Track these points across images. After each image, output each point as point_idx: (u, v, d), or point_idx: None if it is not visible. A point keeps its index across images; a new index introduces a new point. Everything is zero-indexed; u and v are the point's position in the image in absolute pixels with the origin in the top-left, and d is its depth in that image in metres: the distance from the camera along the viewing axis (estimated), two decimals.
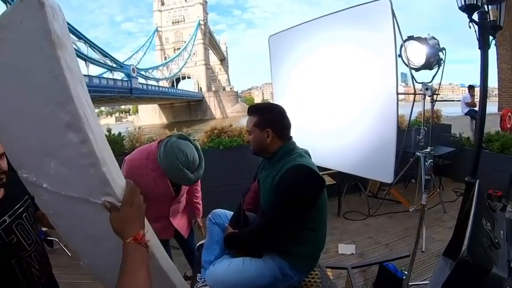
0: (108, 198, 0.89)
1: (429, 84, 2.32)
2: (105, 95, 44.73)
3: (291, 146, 1.64)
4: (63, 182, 0.92)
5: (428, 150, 2.46)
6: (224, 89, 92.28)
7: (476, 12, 1.96)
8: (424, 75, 2.38)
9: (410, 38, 2.32)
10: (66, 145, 0.85)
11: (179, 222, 2.27)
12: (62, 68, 0.78)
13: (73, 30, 39.47)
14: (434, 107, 2.53)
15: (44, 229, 1.86)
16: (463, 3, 1.95)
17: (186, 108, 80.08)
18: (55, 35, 0.77)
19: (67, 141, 0.84)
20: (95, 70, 46.22)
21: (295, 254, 1.60)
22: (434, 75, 2.33)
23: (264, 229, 1.56)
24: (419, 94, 2.38)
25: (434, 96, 2.34)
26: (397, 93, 2.14)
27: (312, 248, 1.66)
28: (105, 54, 47.46)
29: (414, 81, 2.35)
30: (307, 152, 1.67)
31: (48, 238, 3.26)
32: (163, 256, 1.12)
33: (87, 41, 43.26)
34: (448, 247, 1.53)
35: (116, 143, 4.32)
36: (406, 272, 2.53)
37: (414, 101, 2.42)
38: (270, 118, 1.66)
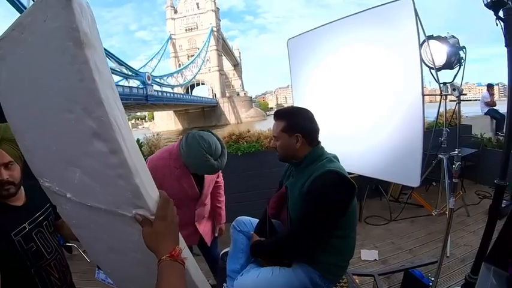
0: (139, 211, 0.82)
1: (456, 84, 2.27)
2: (121, 102, 45.26)
3: (319, 152, 1.59)
4: (89, 192, 0.86)
5: (456, 152, 2.38)
6: (238, 95, 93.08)
7: (501, 9, 1.90)
8: (443, 75, 2.35)
9: (430, 37, 2.27)
10: (94, 155, 0.77)
11: (204, 228, 2.24)
12: (91, 70, 0.70)
13: None
14: (456, 108, 2.46)
15: None
16: (489, 0, 1.90)
17: (201, 114, 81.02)
18: (83, 34, 0.68)
19: (95, 151, 0.76)
20: None
21: (325, 262, 1.55)
22: (456, 74, 2.28)
23: (293, 237, 1.52)
24: (446, 95, 2.33)
25: (461, 96, 2.29)
26: (423, 95, 2.08)
27: (342, 255, 1.61)
28: (120, 63, 48.34)
29: (438, 82, 2.29)
30: (336, 157, 1.61)
31: (67, 244, 3.29)
32: (197, 270, 1.06)
33: None
34: (491, 253, 1.46)
35: None
36: (432, 279, 2.46)
37: (440, 102, 2.37)
38: (299, 123, 1.59)
